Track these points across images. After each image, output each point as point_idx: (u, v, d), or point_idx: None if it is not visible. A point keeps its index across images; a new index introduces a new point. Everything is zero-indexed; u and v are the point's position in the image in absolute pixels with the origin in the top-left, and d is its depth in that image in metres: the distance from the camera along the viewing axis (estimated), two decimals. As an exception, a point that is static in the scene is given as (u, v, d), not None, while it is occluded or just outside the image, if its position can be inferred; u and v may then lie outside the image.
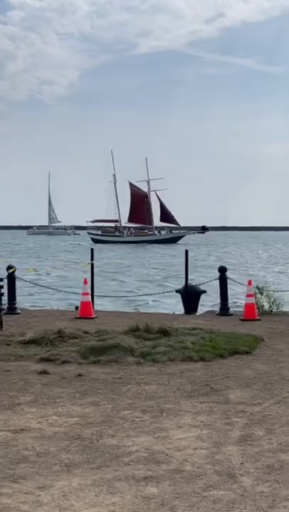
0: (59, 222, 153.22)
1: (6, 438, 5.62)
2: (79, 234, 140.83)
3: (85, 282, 14.06)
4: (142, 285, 30.48)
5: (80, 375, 8.08)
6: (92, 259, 15.37)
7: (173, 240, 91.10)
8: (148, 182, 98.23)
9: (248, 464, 5.04)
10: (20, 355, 9.12)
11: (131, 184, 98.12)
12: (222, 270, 14.49)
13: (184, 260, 15.59)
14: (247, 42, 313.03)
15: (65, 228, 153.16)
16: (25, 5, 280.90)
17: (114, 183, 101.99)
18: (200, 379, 7.92)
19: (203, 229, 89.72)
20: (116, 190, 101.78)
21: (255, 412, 6.49)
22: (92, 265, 15.33)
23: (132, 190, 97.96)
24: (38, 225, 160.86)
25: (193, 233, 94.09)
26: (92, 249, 15.68)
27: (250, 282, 13.83)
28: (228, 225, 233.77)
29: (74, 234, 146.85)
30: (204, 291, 15.17)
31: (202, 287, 15.45)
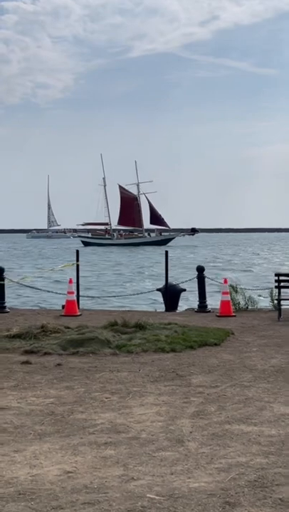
0: (58, 225, 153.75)
1: (-12, 415, 6.40)
2: (78, 237, 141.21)
3: (70, 282, 14.85)
4: (127, 284, 31.34)
5: (59, 364, 8.87)
6: (77, 260, 16.15)
7: (163, 242, 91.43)
8: (138, 185, 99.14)
9: (196, 432, 5.84)
10: (6, 348, 9.90)
11: (120, 187, 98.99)
12: (200, 270, 15.30)
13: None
14: (241, 44, 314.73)
15: (64, 231, 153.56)
16: (19, 9, 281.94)
17: (104, 187, 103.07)
18: (168, 367, 8.71)
19: (193, 231, 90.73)
20: (106, 193, 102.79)
21: (212, 393, 7.29)
22: (78, 266, 16.10)
23: (121, 193, 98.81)
24: (37, 228, 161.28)
25: (183, 235, 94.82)
26: (77, 251, 16.46)
27: (225, 281, 14.64)
28: (226, 227, 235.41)
29: (74, 237, 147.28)
30: (184, 290, 15.97)
31: (182, 286, 16.25)
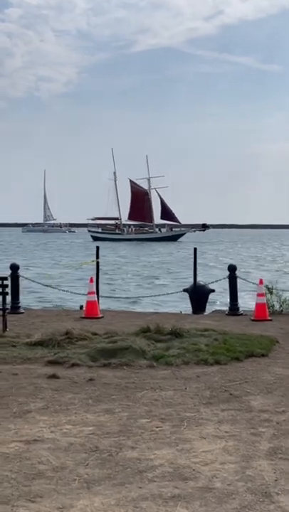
0: (54, 219, 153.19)
1: (18, 450, 5.22)
2: (74, 231, 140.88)
3: (91, 281, 13.67)
4: (143, 283, 30.11)
5: (91, 379, 7.68)
6: (97, 257, 14.96)
7: (173, 238, 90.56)
8: (148, 180, 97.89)
9: (282, 480, 4.65)
10: (28, 358, 8.72)
11: (131, 182, 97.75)
12: (232, 269, 14.10)
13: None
14: (245, 40, 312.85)
15: (60, 226, 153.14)
16: (23, 2, 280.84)
17: (115, 181, 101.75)
18: (218, 384, 7.53)
19: (204, 227, 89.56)
20: (116, 187, 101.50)
21: (281, 421, 6.10)
22: (98, 263, 14.92)
23: (132, 187, 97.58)
24: (33, 222, 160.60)
25: (194, 231, 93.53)
26: (97, 248, 15.23)
27: (261, 281, 13.45)
28: (229, 223, 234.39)
29: (69, 231, 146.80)
30: (213, 290, 14.79)
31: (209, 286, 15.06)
